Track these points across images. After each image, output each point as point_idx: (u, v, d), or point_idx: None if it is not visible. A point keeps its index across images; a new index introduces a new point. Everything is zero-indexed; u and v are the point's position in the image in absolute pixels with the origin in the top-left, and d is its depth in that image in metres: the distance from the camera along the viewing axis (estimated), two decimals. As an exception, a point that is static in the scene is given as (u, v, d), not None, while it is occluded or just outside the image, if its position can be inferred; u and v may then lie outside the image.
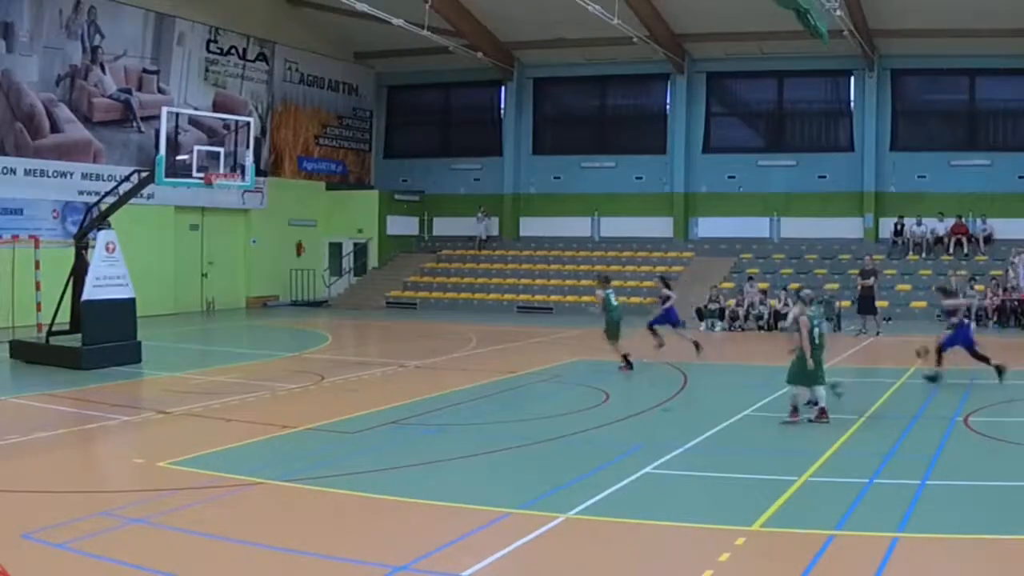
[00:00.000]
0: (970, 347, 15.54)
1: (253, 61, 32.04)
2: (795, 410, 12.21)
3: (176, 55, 29.08)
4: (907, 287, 27.99)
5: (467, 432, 12.39)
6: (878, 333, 23.32)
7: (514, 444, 11.29)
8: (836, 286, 27.77)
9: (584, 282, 31.28)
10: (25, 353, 18.12)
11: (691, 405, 13.83)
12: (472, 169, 36.48)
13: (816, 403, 12.25)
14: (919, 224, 30.27)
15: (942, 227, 30.21)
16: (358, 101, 36.96)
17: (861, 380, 17.64)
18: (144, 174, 18.20)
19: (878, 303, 24.77)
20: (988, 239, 29.78)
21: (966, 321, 16.11)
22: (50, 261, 21.10)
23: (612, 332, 17.29)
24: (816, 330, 12.16)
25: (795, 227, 32.43)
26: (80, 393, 14.60)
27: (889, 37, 30.10)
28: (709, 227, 33.53)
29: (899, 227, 30.69)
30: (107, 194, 19.30)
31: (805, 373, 12.17)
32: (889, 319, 26.14)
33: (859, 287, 24.23)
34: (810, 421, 12.10)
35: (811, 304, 12.38)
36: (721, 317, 25.53)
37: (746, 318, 25.37)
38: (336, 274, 35.47)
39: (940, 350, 15.65)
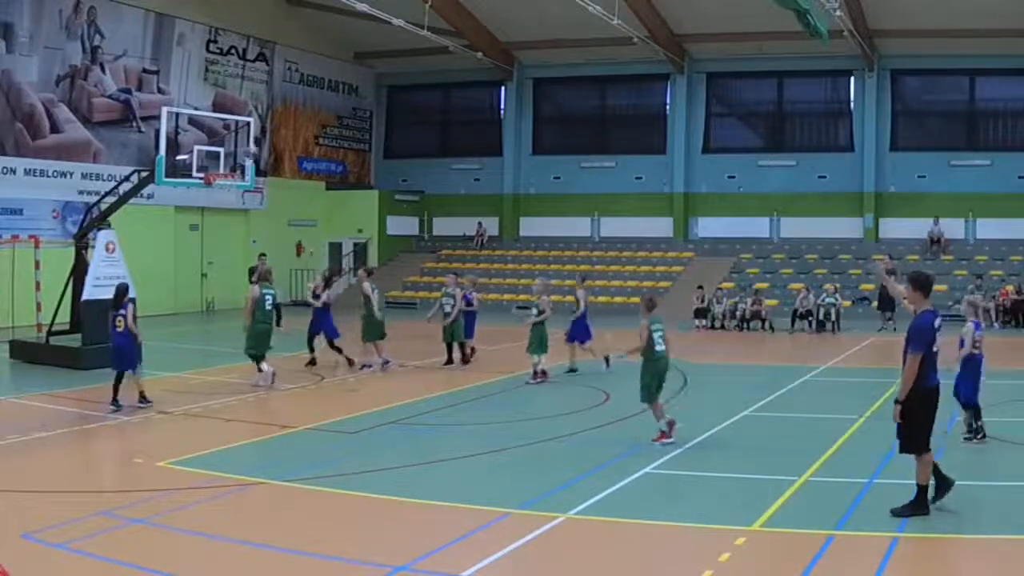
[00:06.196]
0: None
1: (253, 61, 32.03)
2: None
3: (176, 55, 29.08)
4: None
5: (467, 432, 12.39)
6: (889, 329, 23.39)
7: (514, 444, 11.28)
8: (836, 286, 27.71)
9: (584, 282, 31.18)
10: (25, 353, 18.10)
11: (691, 405, 13.80)
12: (472, 169, 36.47)
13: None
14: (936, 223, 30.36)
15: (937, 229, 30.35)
16: (358, 101, 36.95)
17: (861, 380, 17.65)
18: (144, 174, 18.19)
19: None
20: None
21: None
22: (50, 261, 21.08)
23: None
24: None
25: (795, 227, 32.46)
26: (80, 393, 14.59)
27: (889, 37, 30.11)
28: (709, 227, 33.54)
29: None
30: (107, 194, 19.31)
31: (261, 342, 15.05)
32: (890, 319, 26.12)
33: (882, 284, 24.34)
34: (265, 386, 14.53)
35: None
36: (704, 316, 26.17)
37: (727, 318, 25.97)
38: (336, 274, 35.40)
39: None
